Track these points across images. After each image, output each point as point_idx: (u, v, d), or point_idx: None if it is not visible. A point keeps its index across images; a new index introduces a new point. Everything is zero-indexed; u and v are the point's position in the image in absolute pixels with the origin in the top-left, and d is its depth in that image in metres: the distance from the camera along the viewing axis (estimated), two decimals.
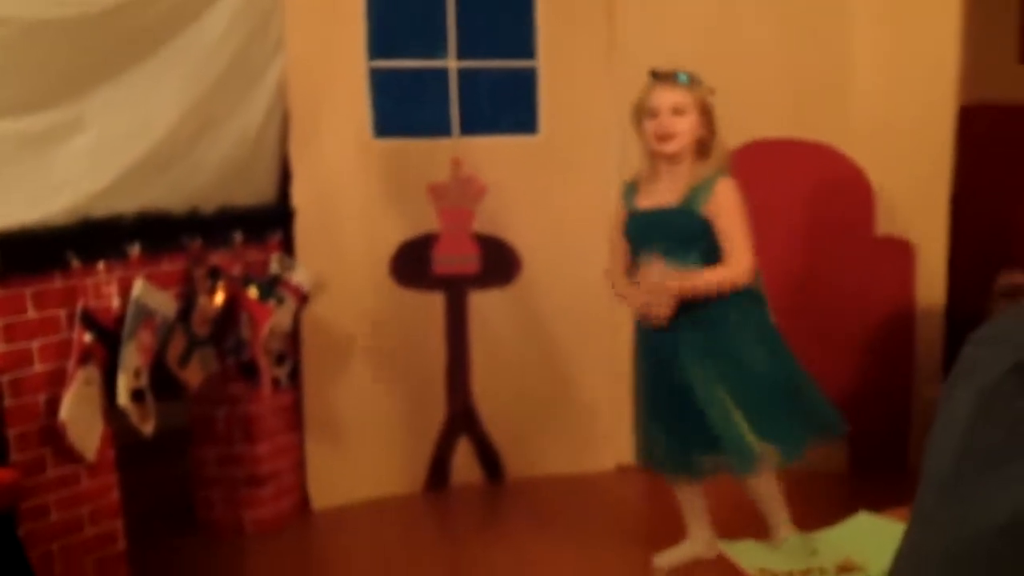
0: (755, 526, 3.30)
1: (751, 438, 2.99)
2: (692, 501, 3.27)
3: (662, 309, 2.91)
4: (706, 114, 2.98)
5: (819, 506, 3.54)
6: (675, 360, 2.98)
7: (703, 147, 2.99)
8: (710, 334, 2.98)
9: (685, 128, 2.94)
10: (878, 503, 3.42)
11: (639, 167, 3.09)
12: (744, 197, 2.99)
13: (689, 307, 2.94)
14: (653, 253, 2.98)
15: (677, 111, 2.94)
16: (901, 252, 3.89)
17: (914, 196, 3.86)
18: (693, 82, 2.99)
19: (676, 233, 2.98)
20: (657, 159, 3.01)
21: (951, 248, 3.87)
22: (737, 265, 2.92)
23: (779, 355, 3.08)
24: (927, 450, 1.09)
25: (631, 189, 3.09)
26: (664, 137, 2.95)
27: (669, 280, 2.91)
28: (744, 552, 3.23)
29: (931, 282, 3.89)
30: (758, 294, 3.05)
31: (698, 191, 2.95)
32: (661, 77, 3.00)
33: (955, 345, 3.84)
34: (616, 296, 3.15)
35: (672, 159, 2.98)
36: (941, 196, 3.84)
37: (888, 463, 3.96)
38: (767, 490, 3.18)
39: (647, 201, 3.03)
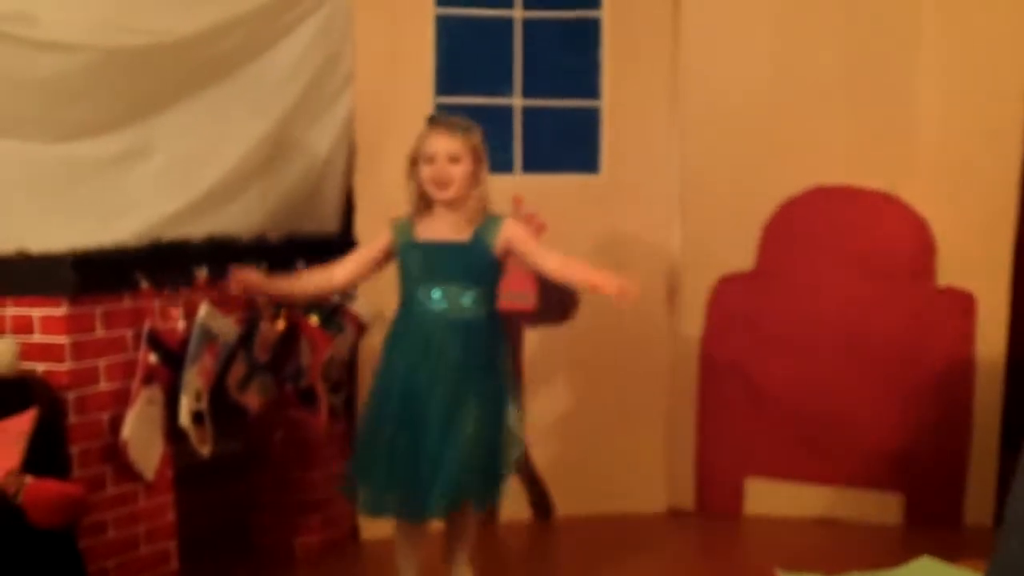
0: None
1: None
2: (416, 550, 3.17)
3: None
4: (478, 161, 3.03)
5: (872, 558, 3.50)
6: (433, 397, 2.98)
7: (471, 193, 3.03)
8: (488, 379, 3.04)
9: (459, 175, 2.99)
10: (934, 555, 3.38)
11: (408, 209, 3.10)
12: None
13: (468, 346, 3.00)
14: (440, 284, 3.00)
15: (453, 159, 2.98)
16: (962, 303, 3.85)
17: (976, 247, 3.82)
18: (468, 130, 3.03)
19: (465, 267, 3.02)
20: (432, 203, 3.04)
21: (1013, 300, 3.83)
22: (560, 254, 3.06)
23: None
24: (1011, 498, 1.09)
25: (404, 226, 3.09)
26: (442, 183, 2.99)
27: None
28: None
29: (991, 335, 3.84)
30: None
31: (486, 229, 3.02)
32: (438, 124, 3.06)
33: (1014, 398, 3.79)
34: None
35: (449, 204, 3.02)
36: (1004, 247, 3.80)
37: (944, 518, 3.90)
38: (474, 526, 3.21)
39: (427, 235, 3.05)
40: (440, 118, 3.12)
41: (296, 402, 3.49)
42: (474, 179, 3.02)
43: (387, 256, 3.15)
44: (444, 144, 2.99)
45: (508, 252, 3.05)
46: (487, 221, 3.04)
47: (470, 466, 2.96)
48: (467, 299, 3.01)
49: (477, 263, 3.03)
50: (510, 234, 3.02)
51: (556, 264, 3.04)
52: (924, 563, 3.31)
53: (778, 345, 4.04)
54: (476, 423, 2.96)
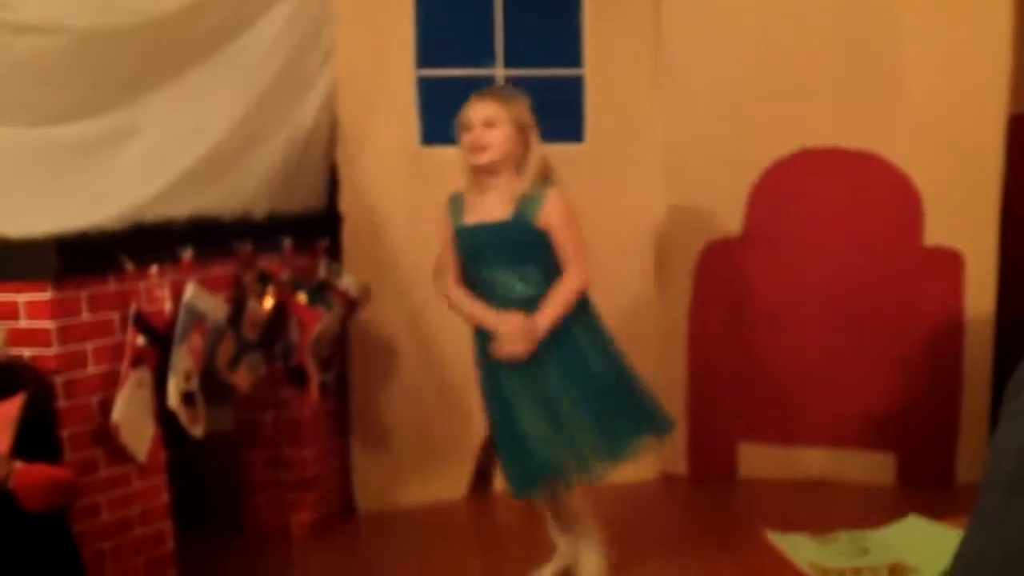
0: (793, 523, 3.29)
1: (591, 448, 3.02)
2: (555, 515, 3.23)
3: (526, 347, 2.92)
4: (522, 128, 2.96)
5: (866, 518, 3.52)
6: (529, 380, 2.99)
7: (518, 160, 2.97)
8: (559, 349, 2.99)
9: (497, 140, 2.93)
10: (926, 515, 3.40)
11: (464, 183, 3.03)
12: (571, 208, 2.97)
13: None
14: (492, 269, 2.97)
15: (488, 123, 2.93)
16: (950, 262, 3.86)
17: (963, 206, 3.83)
18: (507, 96, 2.99)
19: (512, 247, 2.97)
20: (477, 173, 2.98)
21: (1000, 258, 3.84)
22: (577, 274, 2.95)
23: (610, 355, 3.10)
24: (991, 453, 1.09)
25: (456, 204, 3.04)
26: (476, 148, 2.94)
27: (530, 322, 2.91)
28: (795, 545, 3.22)
29: (980, 292, 3.85)
30: (585, 297, 3.04)
31: (529, 203, 2.94)
32: (476, 93, 3.01)
33: (1004, 356, 3.80)
34: (464, 315, 3.08)
35: (488, 171, 2.96)
36: (991, 206, 3.81)
37: (936, 476, 3.93)
38: (583, 504, 3.16)
39: (474, 216, 2.99)
40: (482, 89, 3.08)
41: (286, 380, 3.50)
42: (516, 145, 2.94)
43: None
44: (479, 110, 2.95)
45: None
46: (533, 193, 2.95)
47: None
48: (521, 286, 2.97)
49: (521, 241, 2.96)
50: (549, 212, 2.93)
51: (565, 279, 2.96)
52: (911, 521, 3.34)
53: (767, 308, 4.05)
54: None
